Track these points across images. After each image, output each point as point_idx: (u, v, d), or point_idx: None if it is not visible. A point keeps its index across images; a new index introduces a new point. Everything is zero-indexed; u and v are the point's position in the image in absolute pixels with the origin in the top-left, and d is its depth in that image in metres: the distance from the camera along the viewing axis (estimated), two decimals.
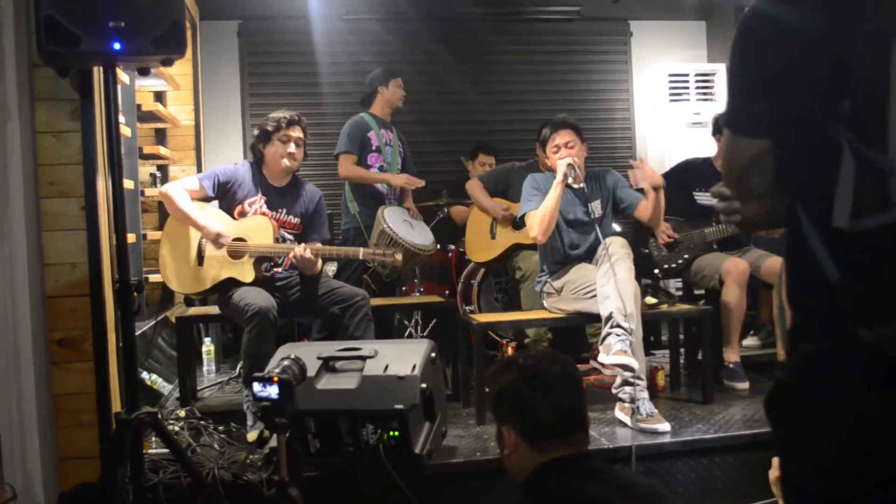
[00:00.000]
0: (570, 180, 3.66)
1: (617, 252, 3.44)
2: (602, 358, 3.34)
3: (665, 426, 3.20)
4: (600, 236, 3.60)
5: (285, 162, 3.57)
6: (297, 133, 3.57)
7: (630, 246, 3.59)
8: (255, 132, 3.64)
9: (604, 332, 3.36)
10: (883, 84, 1.05)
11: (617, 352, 3.26)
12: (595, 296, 3.47)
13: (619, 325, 3.29)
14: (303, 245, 3.42)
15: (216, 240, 3.43)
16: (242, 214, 3.55)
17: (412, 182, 4.51)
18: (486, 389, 3.42)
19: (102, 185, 2.78)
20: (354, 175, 4.56)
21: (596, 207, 3.78)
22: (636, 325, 3.33)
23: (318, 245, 3.56)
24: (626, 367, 3.27)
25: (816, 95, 1.14)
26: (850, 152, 1.08)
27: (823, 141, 1.12)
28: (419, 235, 4.21)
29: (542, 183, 3.81)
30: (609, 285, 3.36)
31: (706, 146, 4.37)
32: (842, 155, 1.09)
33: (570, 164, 3.64)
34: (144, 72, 2.68)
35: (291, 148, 3.56)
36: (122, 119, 3.78)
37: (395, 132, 4.76)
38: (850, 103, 1.09)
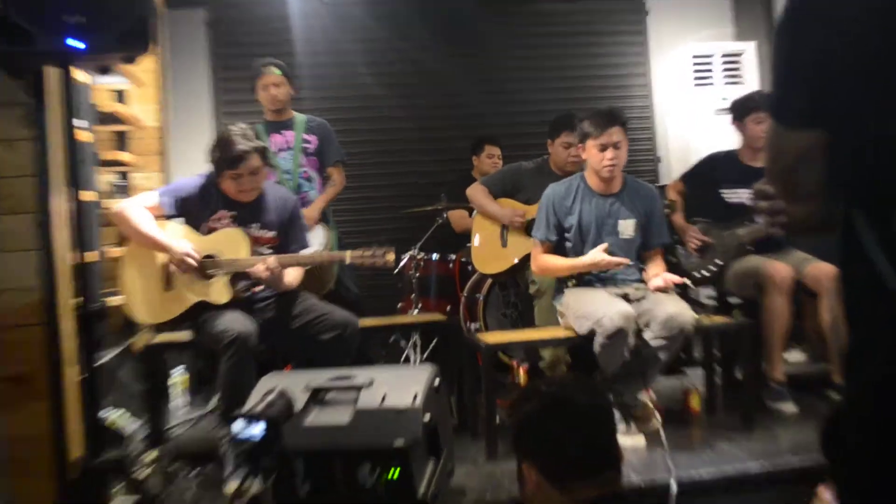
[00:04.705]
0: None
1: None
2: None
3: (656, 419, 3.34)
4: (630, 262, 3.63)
5: (241, 197, 3.51)
6: (251, 165, 3.41)
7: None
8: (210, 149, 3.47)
9: None
10: None
11: None
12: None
13: None
14: (273, 256, 3.39)
15: (182, 262, 3.36)
16: (210, 232, 3.51)
17: None
18: (498, 419, 3.41)
19: (58, 199, 2.75)
20: None
21: (627, 228, 3.71)
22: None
23: (299, 255, 3.53)
24: None
25: (886, 84, 1.10)
26: None
27: (889, 138, 1.09)
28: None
29: (559, 203, 3.74)
30: None
31: (734, 135, 4.35)
32: None
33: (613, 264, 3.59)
34: (105, 71, 2.67)
35: (245, 184, 3.45)
36: (79, 123, 3.75)
37: (304, 126, 4.63)
38: None
